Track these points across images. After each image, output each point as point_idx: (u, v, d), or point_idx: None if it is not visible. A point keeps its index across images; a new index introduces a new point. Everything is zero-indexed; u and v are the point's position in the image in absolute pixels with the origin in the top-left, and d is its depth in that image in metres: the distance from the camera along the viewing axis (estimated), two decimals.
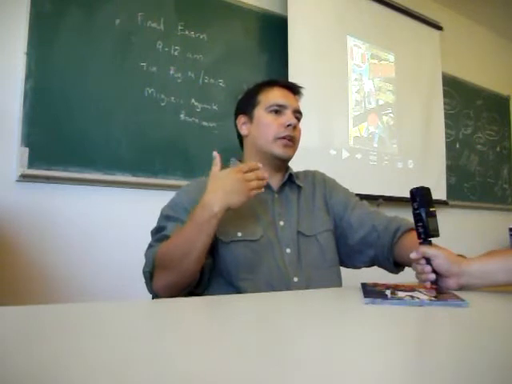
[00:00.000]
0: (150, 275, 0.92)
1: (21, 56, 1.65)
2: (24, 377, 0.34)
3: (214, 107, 2.11)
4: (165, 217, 1.01)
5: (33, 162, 1.63)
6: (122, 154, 1.83)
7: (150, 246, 0.98)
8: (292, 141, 1.08)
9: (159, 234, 0.98)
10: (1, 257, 1.58)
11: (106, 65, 1.83)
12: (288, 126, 1.06)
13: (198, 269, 0.92)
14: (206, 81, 2.11)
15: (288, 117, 1.07)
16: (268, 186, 1.08)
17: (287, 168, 1.15)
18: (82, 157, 1.74)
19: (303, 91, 1.17)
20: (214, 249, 0.97)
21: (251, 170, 0.92)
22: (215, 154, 0.95)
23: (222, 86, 2.15)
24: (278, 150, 1.07)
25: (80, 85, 1.76)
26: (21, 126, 1.62)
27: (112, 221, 1.82)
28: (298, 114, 1.11)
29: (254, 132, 1.10)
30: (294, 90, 1.14)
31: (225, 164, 1.18)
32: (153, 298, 1.02)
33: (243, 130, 1.13)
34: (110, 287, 1.73)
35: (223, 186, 0.90)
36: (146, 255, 0.95)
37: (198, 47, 2.09)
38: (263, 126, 1.08)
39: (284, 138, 1.06)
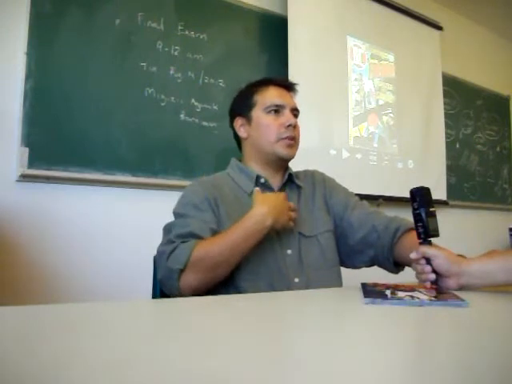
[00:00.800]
0: (179, 271, 0.89)
1: (21, 56, 1.65)
2: (24, 377, 0.34)
3: (214, 107, 2.11)
4: (181, 215, 1.01)
5: (33, 162, 1.63)
6: (122, 154, 1.83)
7: (171, 241, 0.94)
8: (293, 140, 1.08)
9: (180, 230, 0.95)
10: (1, 257, 1.58)
11: (106, 65, 1.83)
12: (288, 126, 1.06)
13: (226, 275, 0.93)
14: (205, 81, 2.11)
15: (287, 117, 1.07)
16: (268, 187, 1.09)
17: (286, 168, 1.15)
18: (82, 157, 1.74)
19: (301, 89, 1.17)
20: None
21: None
22: (257, 189, 1.02)
23: (221, 86, 2.15)
24: (282, 150, 1.07)
25: (80, 85, 1.76)
26: (21, 126, 1.62)
27: (112, 221, 1.82)
28: (295, 111, 1.11)
29: (254, 134, 1.10)
30: (289, 87, 1.14)
31: (225, 164, 1.18)
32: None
33: (242, 133, 1.12)
34: (110, 287, 1.73)
35: (275, 206, 0.97)
36: (173, 252, 0.91)
37: (198, 47, 2.09)
38: (264, 128, 1.07)
39: (285, 138, 1.06)
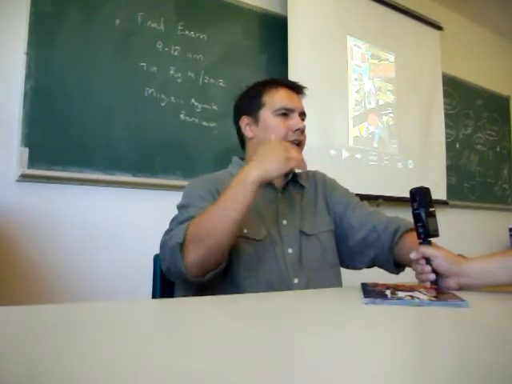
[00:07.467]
0: (180, 247, 0.86)
1: (21, 56, 1.65)
2: (24, 377, 0.34)
3: (214, 107, 2.11)
4: (182, 206, 0.99)
5: (33, 162, 1.63)
6: (121, 154, 1.83)
7: (171, 229, 0.92)
8: (299, 145, 1.07)
9: (180, 218, 0.94)
10: (1, 257, 1.58)
11: (106, 65, 1.83)
12: (296, 130, 1.06)
13: (229, 244, 0.88)
14: (205, 81, 2.11)
15: (296, 121, 1.06)
16: (272, 186, 1.08)
17: None
18: (82, 157, 1.74)
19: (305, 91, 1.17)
20: None
21: None
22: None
23: (222, 86, 2.15)
24: None
25: (80, 85, 1.76)
26: (21, 126, 1.62)
27: (112, 221, 1.82)
28: (302, 115, 1.11)
29: (260, 134, 1.09)
30: (299, 90, 1.14)
31: (225, 164, 1.18)
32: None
33: (248, 132, 1.12)
34: (110, 287, 1.73)
35: (261, 155, 0.89)
36: (171, 235, 0.89)
37: (198, 47, 2.09)
38: (271, 130, 1.06)
39: (292, 142, 1.05)
